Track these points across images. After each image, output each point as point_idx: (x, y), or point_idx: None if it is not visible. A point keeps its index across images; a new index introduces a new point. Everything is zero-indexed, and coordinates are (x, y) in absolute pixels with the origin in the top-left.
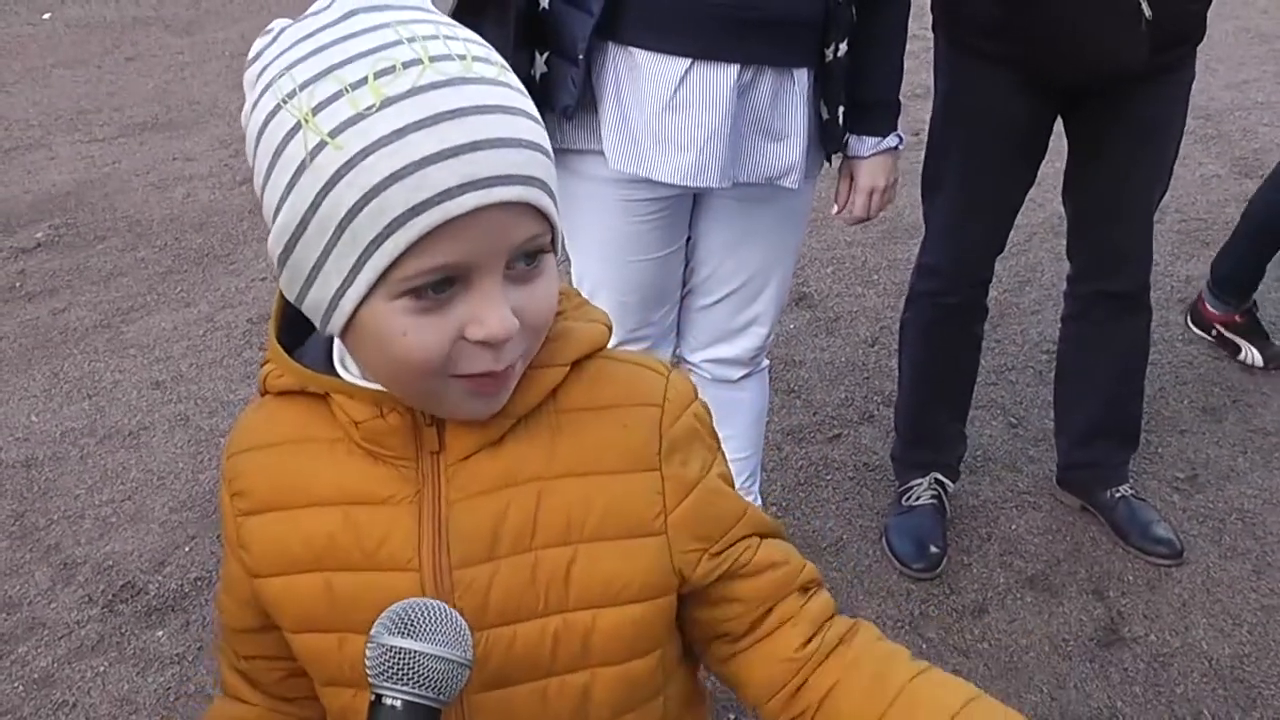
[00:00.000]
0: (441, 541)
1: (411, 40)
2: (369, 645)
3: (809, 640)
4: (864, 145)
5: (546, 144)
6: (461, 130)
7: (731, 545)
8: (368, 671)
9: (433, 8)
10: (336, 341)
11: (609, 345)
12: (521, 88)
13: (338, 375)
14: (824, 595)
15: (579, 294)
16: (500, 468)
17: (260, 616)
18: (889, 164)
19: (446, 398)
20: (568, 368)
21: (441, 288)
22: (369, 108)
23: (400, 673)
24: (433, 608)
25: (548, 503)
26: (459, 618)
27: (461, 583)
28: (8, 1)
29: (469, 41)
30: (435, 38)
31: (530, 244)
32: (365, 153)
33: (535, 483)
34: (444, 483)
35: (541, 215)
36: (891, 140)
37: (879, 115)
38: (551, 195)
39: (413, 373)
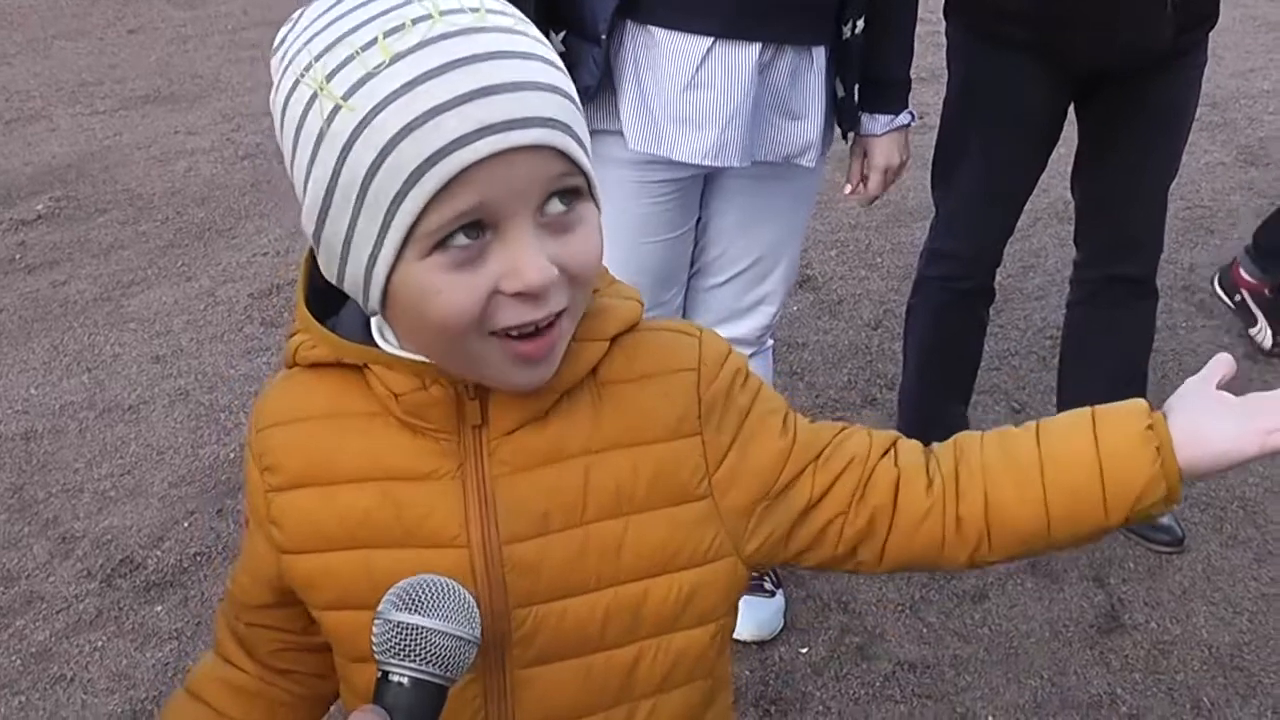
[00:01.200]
0: (489, 517)
1: None
2: (376, 621)
3: (930, 484)
4: (877, 123)
5: (567, 87)
6: (474, 77)
7: (785, 489)
8: (374, 648)
9: None
10: None
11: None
12: (540, 36)
13: (376, 346)
14: (908, 443)
15: (608, 271)
16: (545, 442)
17: (276, 593)
18: (902, 141)
19: (489, 362)
20: (608, 343)
21: (472, 233)
22: (378, 66)
23: (408, 649)
24: (441, 584)
25: (596, 476)
26: (467, 594)
27: (511, 559)
28: None
29: None
30: None
31: (559, 183)
32: (376, 110)
33: (582, 457)
34: (486, 457)
35: (568, 158)
36: (904, 118)
37: (892, 93)
38: (577, 139)
39: (451, 334)
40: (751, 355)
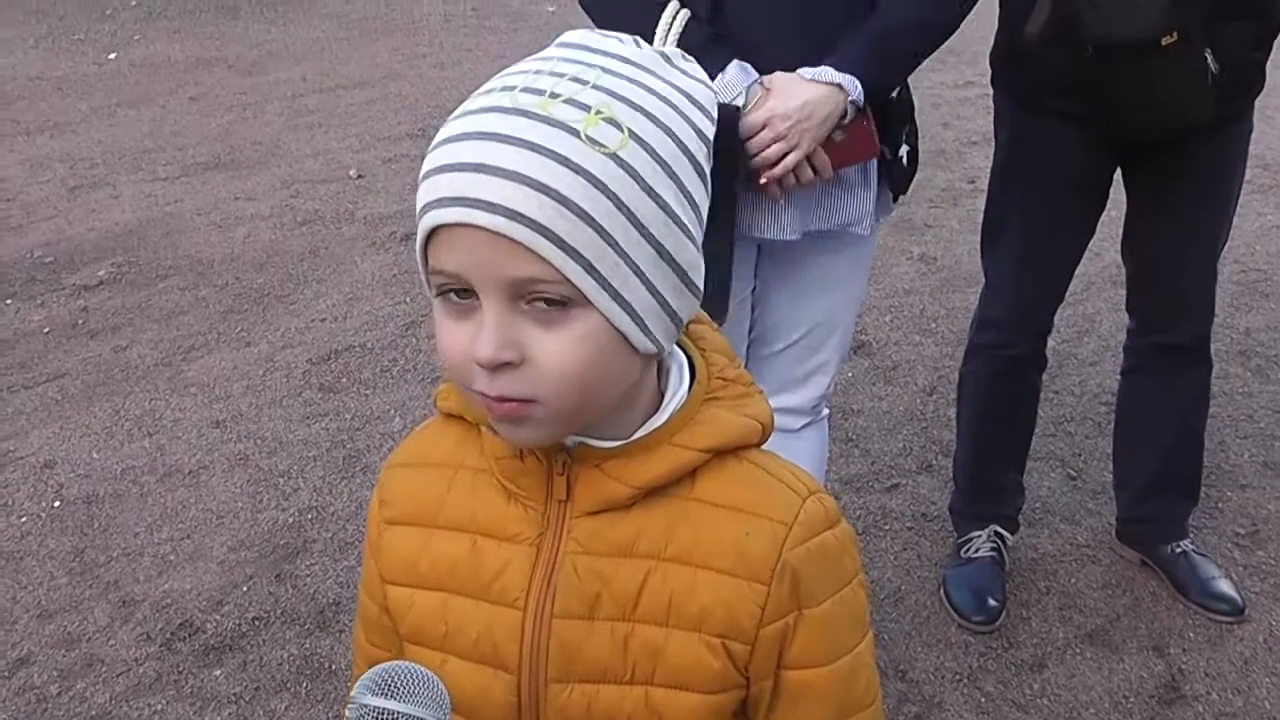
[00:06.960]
0: (550, 589)
1: (554, 74)
2: (350, 705)
3: None
4: (808, 71)
5: (575, 196)
6: (475, 151)
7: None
8: None
9: (639, 59)
10: None
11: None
12: (610, 141)
13: None
14: None
15: (750, 383)
16: (620, 535)
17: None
18: (819, 97)
19: (478, 411)
20: (705, 455)
21: (463, 295)
22: (459, 111)
23: None
24: (414, 671)
25: (654, 581)
26: (440, 683)
27: (558, 632)
28: (74, 42)
29: (611, 96)
30: (577, 80)
31: (530, 286)
32: (430, 150)
33: (648, 560)
34: (564, 533)
35: (549, 263)
36: (841, 79)
37: (854, 53)
38: (563, 246)
39: (454, 372)
40: (806, 425)
